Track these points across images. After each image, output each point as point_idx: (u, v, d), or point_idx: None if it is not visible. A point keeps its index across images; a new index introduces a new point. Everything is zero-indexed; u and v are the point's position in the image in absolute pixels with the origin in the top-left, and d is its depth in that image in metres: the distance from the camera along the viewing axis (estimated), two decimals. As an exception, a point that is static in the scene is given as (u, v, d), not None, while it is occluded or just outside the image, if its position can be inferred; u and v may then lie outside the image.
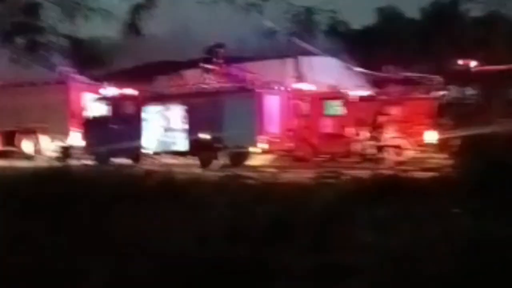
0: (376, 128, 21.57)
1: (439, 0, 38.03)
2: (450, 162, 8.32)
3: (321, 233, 5.65)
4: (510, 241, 4.81)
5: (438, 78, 20.78)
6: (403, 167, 7.90)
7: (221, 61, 21.94)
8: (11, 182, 8.39)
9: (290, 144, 21.21)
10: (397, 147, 20.57)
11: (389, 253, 4.90)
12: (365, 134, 21.61)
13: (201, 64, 22.28)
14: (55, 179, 7.85)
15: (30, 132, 24.47)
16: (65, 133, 22.80)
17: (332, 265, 4.84)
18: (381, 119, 21.82)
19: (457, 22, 34.14)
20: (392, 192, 7.04)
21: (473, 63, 17.33)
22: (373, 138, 21.46)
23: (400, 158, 18.74)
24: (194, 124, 20.50)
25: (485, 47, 27.46)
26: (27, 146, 24.64)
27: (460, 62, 17.22)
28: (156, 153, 20.42)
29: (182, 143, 20.88)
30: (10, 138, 24.94)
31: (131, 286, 4.74)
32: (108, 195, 7.22)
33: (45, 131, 23.80)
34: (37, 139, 24.25)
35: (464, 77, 16.99)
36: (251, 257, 4.95)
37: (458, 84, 17.16)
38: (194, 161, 20.17)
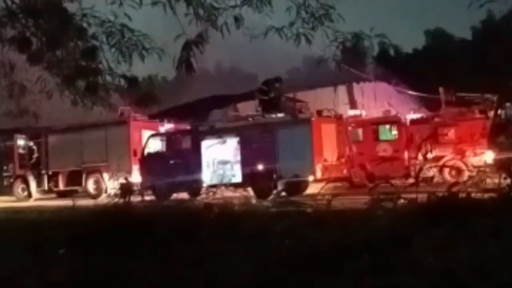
0: (432, 150, 21.38)
1: (489, 18, 37.61)
2: (508, 182, 8.18)
3: (380, 256, 5.68)
4: None
5: (492, 97, 20.50)
6: (461, 188, 7.84)
7: (274, 93, 22.16)
8: (78, 220, 8.72)
9: (345, 171, 21.17)
10: (454, 168, 20.32)
11: (451, 275, 4.91)
12: (420, 156, 21.45)
13: (256, 96, 22.56)
14: (120, 216, 8.12)
15: (95, 171, 25.16)
16: (128, 171, 23.32)
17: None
18: (436, 141, 21.63)
19: (509, 38, 33.61)
20: (452, 213, 7.00)
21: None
22: (429, 160, 21.26)
23: (457, 179, 18.46)
24: (249, 155, 20.70)
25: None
26: (92, 185, 25.33)
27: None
28: (211, 186, 20.68)
29: (237, 175, 21.08)
30: (75, 177, 25.68)
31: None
32: (170, 229, 7.43)
33: (108, 170, 24.42)
34: (101, 177, 24.89)
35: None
36: (313, 283, 5.05)
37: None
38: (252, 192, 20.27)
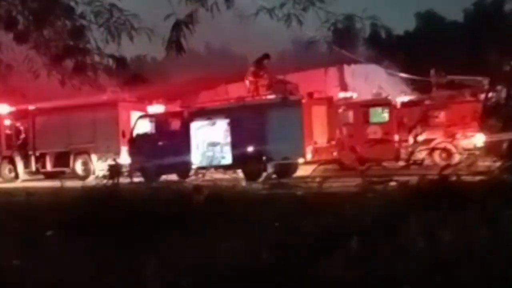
0: (422, 132, 21.39)
1: (482, 1, 37.53)
2: (499, 165, 8.16)
3: (372, 241, 5.63)
4: None
5: (484, 80, 20.48)
6: (451, 171, 7.81)
7: (265, 73, 22.01)
8: (65, 201, 8.64)
9: (336, 153, 21.16)
10: (444, 151, 20.34)
11: (443, 260, 4.86)
12: (411, 139, 21.47)
13: (246, 77, 22.40)
14: (110, 197, 8.05)
15: (83, 153, 24.99)
16: (116, 152, 23.14)
17: (385, 274, 4.83)
18: (427, 123, 21.63)
19: (501, 21, 33.59)
20: (444, 196, 6.96)
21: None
22: (419, 142, 21.26)
23: (448, 162, 18.50)
24: (239, 137, 20.61)
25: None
26: (80, 166, 25.17)
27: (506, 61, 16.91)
28: (201, 168, 20.60)
29: (227, 157, 21.00)
30: (63, 159, 25.49)
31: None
32: (158, 212, 7.37)
33: (97, 151, 24.24)
34: (90, 159, 24.74)
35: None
36: (303, 268, 5.00)
37: (505, 85, 16.83)
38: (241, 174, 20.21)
